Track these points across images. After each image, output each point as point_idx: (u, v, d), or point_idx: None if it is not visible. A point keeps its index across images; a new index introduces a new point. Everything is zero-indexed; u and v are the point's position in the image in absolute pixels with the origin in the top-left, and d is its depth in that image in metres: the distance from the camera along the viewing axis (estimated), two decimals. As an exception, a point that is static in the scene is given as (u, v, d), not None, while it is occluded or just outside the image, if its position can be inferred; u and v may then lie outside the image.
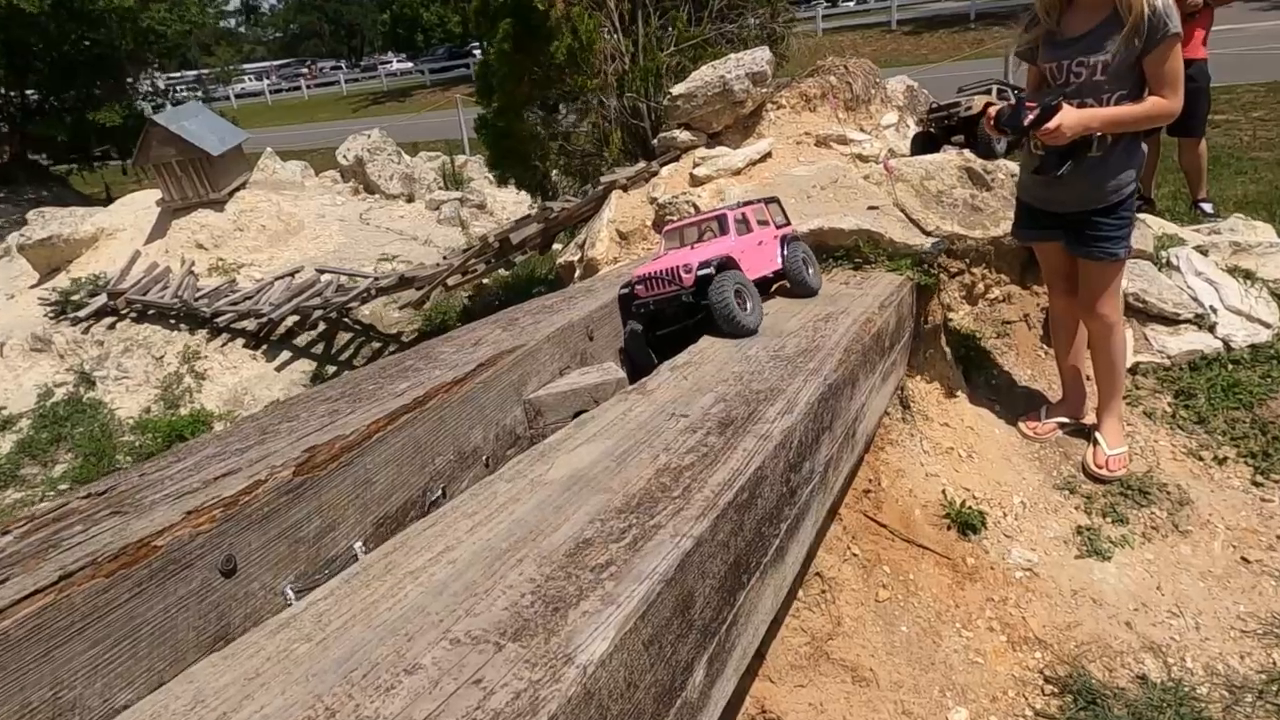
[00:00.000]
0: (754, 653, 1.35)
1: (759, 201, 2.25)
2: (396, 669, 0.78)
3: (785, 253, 2.27)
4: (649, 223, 3.51)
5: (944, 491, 2.57)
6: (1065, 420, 2.83)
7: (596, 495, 1.13)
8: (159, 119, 7.10)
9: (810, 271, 2.33)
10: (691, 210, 3.31)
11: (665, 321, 1.99)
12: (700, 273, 1.84)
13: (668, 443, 1.30)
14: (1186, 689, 2.08)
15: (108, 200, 9.52)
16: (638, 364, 1.95)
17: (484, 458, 1.54)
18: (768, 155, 3.55)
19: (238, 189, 7.30)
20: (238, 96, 39.44)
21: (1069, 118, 2.23)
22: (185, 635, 1.01)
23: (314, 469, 1.19)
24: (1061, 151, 2.32)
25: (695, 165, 3.52)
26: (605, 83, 3.88)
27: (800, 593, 2.22)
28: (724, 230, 2.10)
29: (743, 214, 2.12)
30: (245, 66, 51.72)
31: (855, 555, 2.36)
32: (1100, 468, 2.64)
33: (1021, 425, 2.82)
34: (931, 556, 2.42)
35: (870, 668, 2.17)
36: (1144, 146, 2.44)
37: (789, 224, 2.45)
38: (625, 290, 2.02)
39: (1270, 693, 2.06)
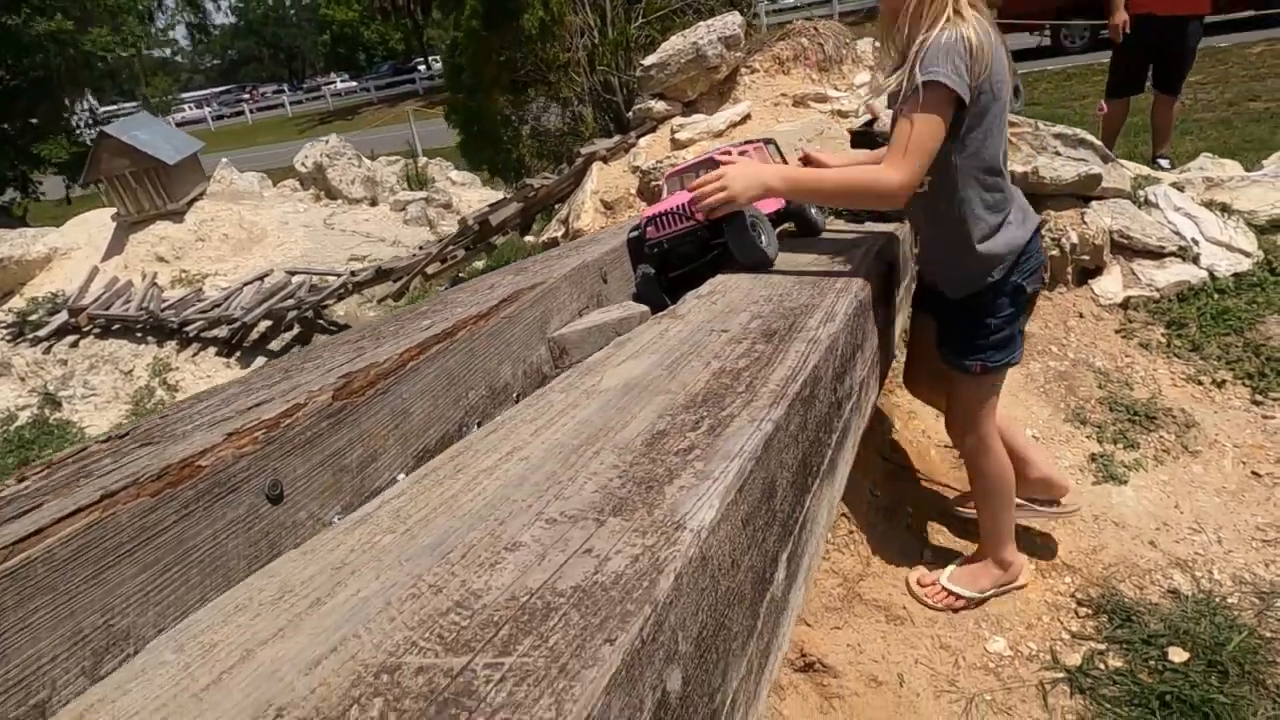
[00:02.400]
0: (815, 566, 1.31)
1: (758, 141, 2.19)
2: (495, 548, 0.72)
3: None
4: (633, 191, 3.46)
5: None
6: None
7: (658, 397, 1.07)
8: (110, 130, 6.88)
9: (814, 211, 2.29)
10: (677, 173, 3.27)
11: (677, 262, 1.92)
12: None
13: (716, 352, 1.25)
14: (1218, 599, 2.08)
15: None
16: (653, 308, 1.90)
17: (514, 394, 1.47)
18: (747, 117, 3.53)
19: (196, 199, 7.10)
20: (179, 125, 38.69)
21: (737, 172, 1.63)
22: (237, 564, 0.93)
23: (352, 394, 1.12)
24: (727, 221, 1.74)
25: (675, 131, 3.49)
26: (575, 58, 3.82)
27: (829, 534, 2.18)
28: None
29: (745, 150, 2.06)
30: (184, 95, 50.73)
31: (877, 496, 2.34)
32: (919, 585, 2.14)
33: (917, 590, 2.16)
34: (952, 493, 2.41)
35: (904, 605, 2.15)
36: (1017, 219, 1.77)
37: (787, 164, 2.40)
38: (634, 233, 1.96)
39: (1299, 596, 2.07)
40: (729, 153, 1.98)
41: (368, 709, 0.53)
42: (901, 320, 2.44)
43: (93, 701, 0.56)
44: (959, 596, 2.11)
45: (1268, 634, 1.99)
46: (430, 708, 0.53)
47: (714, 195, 1.62)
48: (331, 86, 45.60)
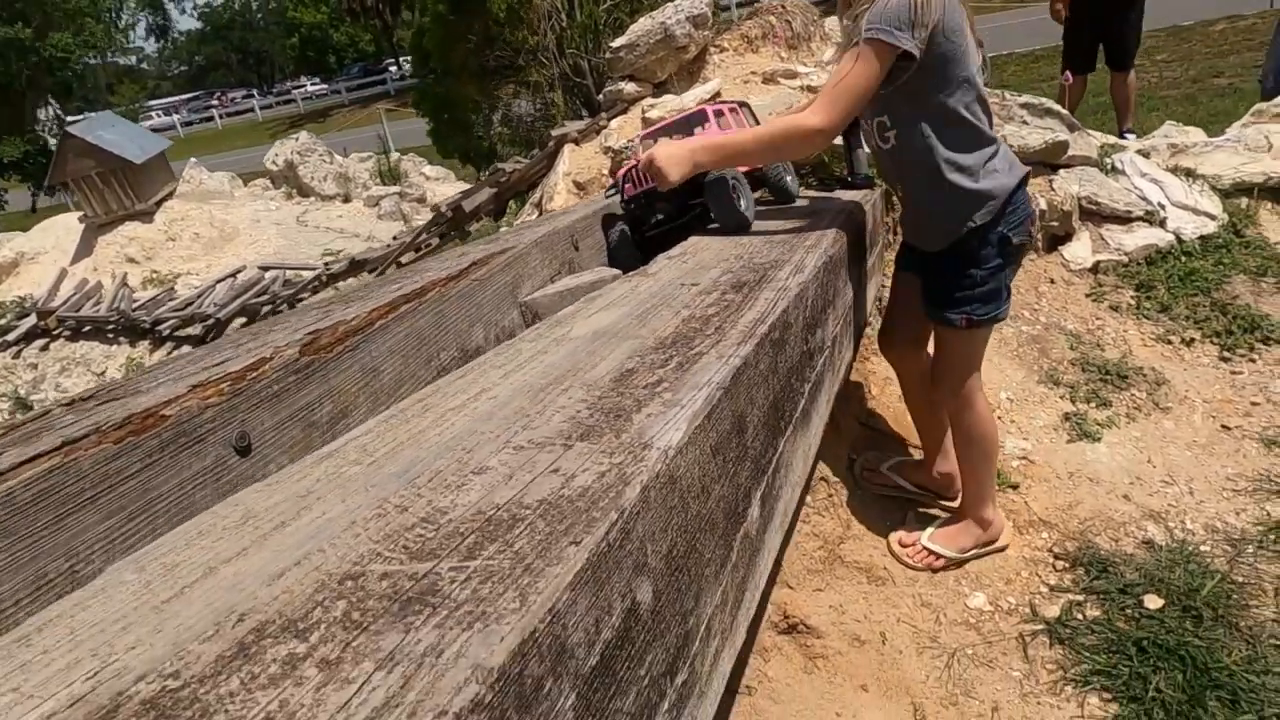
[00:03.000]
0: (791, 513, 1.32)
1: (734, 103, 2.17)
2: (463, 472, 0.72)
3: None
4: (605, 171, 3.46)
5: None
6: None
7: (627, 342, 1.07)
8: (74, 130, 6.77)
9: (790, 178, 2.28)
10: (649, 152, 3.26)
11: (654, 221, 1.90)
12: None
13: (686, 302, 1.25)
14: (1191, 548, 2.12)
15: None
16: (626, 268, 1.88)
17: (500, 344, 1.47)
18: (717, 95, 3.52)
19: (165, 199, 7.00)
20: (148, 131, 38.14)
21: (664, 151, 1.65)
22: (205, 515, 0.92)
23: (320, 350, 1.11)
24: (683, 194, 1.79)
25: (646, 110, 3.48)
26: (544, 41, 3.80)
27: (809, 498, 2.20)
28: (704, 126, 2.00)
29: (721, 109, 2.04)
30: (152, 103, 50.06)
31: (856, 459, 2.35)
32: (900, 546, 2.15)
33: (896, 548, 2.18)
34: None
35: (884, 566, 2.16)
36: (1002, 167, 1.76)
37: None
38: (612, 193, 1.93)
39: (1269, 541, 2.11)
40: (721, 110, 1.98)
41: (331, 610, 0.53)
42: (874, 287, 2.46)
43: (50, 617, 0.56)
44: (939, 556, 2.13)
45: (1240, 579, 2.02)
46: (394, 606, 0.53)
47: (654, 175, 1.66)
48: (302, 90, 45.19)
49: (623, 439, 0.76)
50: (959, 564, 2.15)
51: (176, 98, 55.21)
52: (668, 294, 1.31)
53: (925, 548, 2.14)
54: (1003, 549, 2.18)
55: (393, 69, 40.57)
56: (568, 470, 0.71)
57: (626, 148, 3.32)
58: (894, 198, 2.22)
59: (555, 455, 0.74)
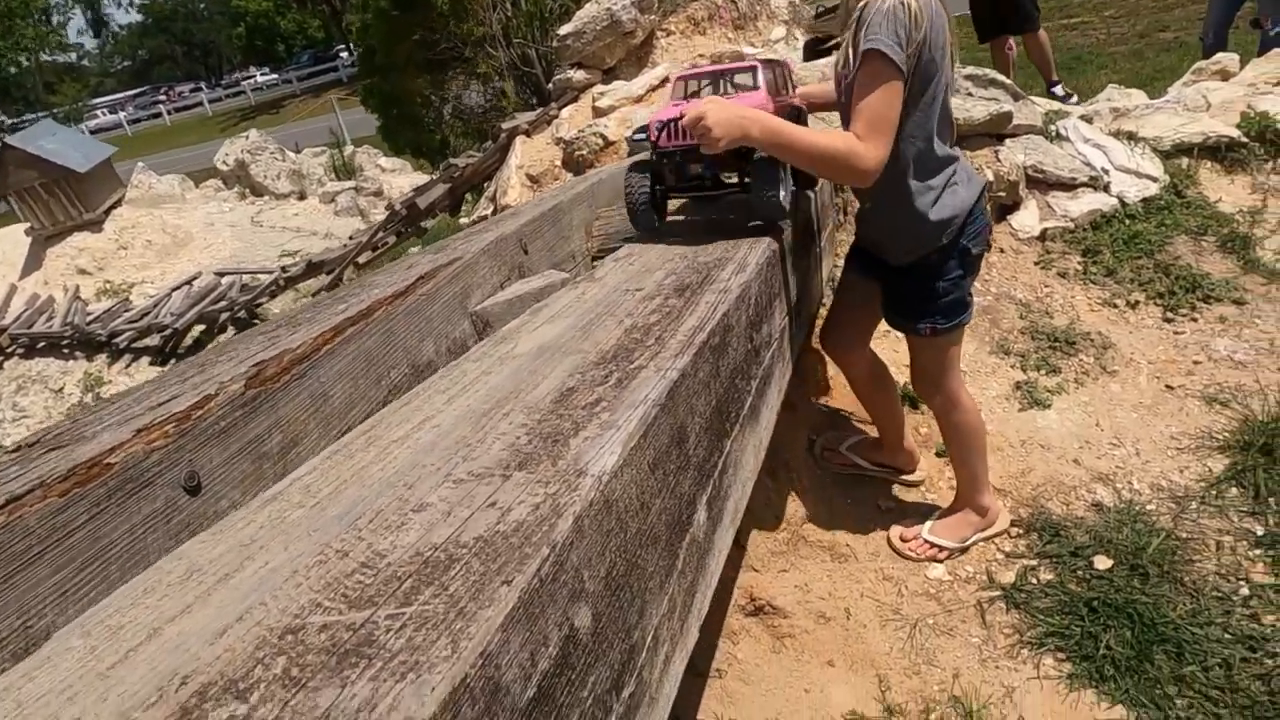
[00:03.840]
0: (743, 508, 1.35)
1: (780, 63, 1.90)
2: (404, 510, 0.74)
3: None
4: (558, 163, 3.45)
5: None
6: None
7: (570, 357, 1.10)
8: (13, 141, 6.58)
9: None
10: (600, 141, 3.26)
11: (680, 181, 1.67)
12: None
13: (629, 310, 1.27)
14: (1137, 508, 2.20)
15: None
16: (640, 220, 1.69)
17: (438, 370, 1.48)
18: (666, 79, 3.53)
19: (114, 207, 6.85)
20: (93, 132, 37.18)
21: (718, 114, 1.49)
22: (157, 557, 0.93)
23: (265, 382, 1.12)
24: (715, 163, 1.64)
25: (596, 98, 3.48)
26: (490, 32, 3.77)
27: (770, 481, 2.24)
28: (755, 84, 1.71)
29: (773, 72, 1.78)
30: (95, 101, 48.63)
31: (814, 441, 2.40)
32: (901, 541, 2.19)
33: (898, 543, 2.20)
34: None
35: (846, 543, 2.22)
36: (962, 180, 1.79)
37: (798, 97, 2.04)
38: (640, 135, 1.65)
39: (1210, 496, 2.20)
40: (771, 63, 1.79)
41: (271, 667, 0.55)
42: (825, 268, 2.50)
43: (-2, 691, 0.57)
44: (942, 548, 2.15)
45: (1184, 535, 2.11)
46: (331, 659, 0.55)
47: (699, 127, 1.50)
48: (251, 81, 44.12)
49: (559, 466, 0.79)
50: (963, 552, 2.18)
51: (121, 94, 53.61)
52: (612, 301, 1.33)
53: (927, 541, 2.16)
54: (1003, 531, 2.20)
55: (344, 55, 39.75)
56: (504, 503, 0.73)
57: (577, 139, 3.31)
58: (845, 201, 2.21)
59: (493, 488, 0.76)
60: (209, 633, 0.60)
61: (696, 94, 1.80)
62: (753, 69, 1.74)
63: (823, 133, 1.62)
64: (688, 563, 1.00)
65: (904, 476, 2.35)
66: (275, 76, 43.62)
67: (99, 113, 45.56)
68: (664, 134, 1.59)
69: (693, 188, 1.67)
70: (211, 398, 1.04)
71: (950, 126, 1.79)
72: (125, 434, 0.95)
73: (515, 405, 0.95)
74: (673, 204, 1.95)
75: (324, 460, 0.88)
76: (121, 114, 43.26)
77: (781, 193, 1.61)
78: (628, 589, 0.81)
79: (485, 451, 0.84)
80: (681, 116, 1.54)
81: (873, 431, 2.41)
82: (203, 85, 51.57)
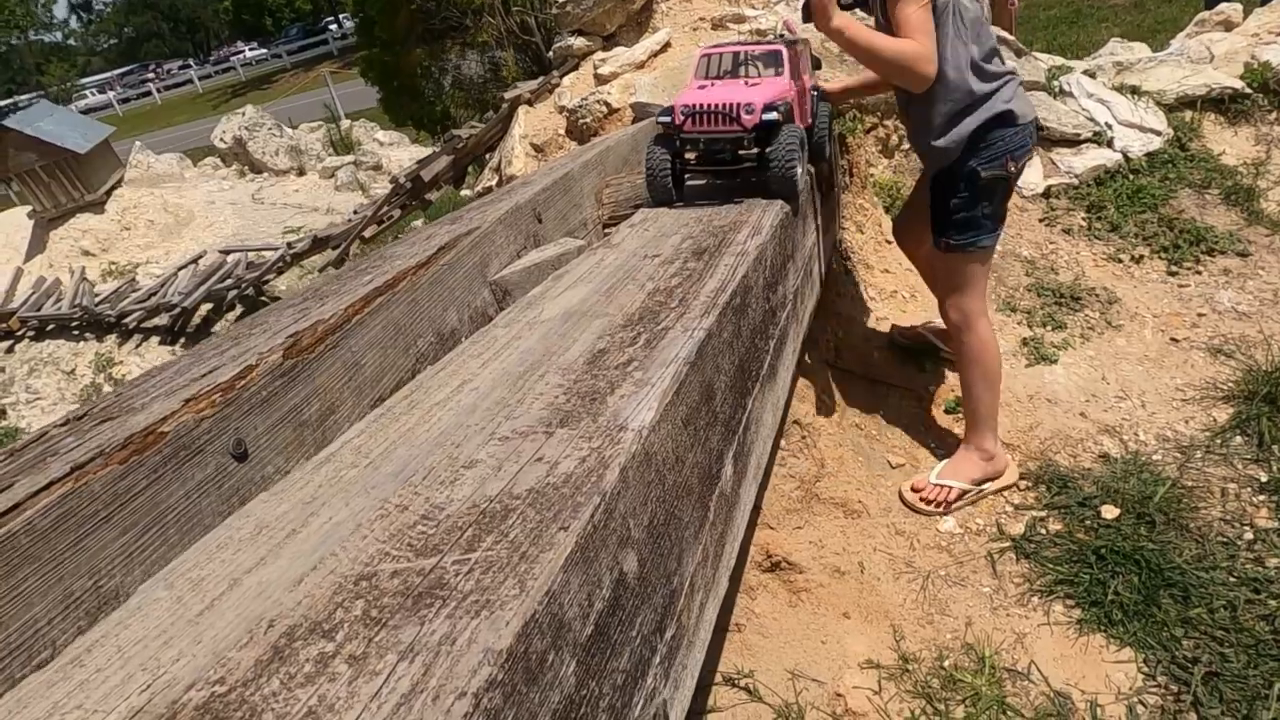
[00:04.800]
0: (765, 465, 1.39)
1: (802, 44, 1.96)
2: (454, 467, 0.78)
3: (817, 109, 1.99)
4: (561, 131, 3.45)
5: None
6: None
7: (596, 320, 1.13)
8: (11, 123, 6.53)
9: (830, 139, 2.10)
10: (603, 109, 3.26)
11: (702, 162, 1.72)
12: (765, 117, 1.59)
13: (650, 274, 1.30)
14: (1144, 458, 2.25)
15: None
16: (659, 193, 1.72)
17: (462, 339, 1.51)
18: (667, 45, 3.51)
19: (115, 187, 6.83)
20: (83, 113, 36.81)
21: (834, 25, 1.81)
22: (212, 520, 0.98)
23: (302, 352, 1.16)
24: None
25: (598, 66, 3.46)
26: (489, 1, 3.74)
27: (783, 441, 2.29)
28: (778, 69, 1.79)
29: (795, 54, 1.83)
30: (84, 80, 48.10)
31: (826, 401, 2.44)
32: (914, 491, 2.24)
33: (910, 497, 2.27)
34: (896, 391, 2.53)
35: (859, 500, 2.27)
36: (973, 107, 1.90)
37: (815, 75, 2.11)
38: (665, 119, 1.69)
39: (1215, 446, 2.24)
40: (794, 44, 1.91)
41: (350, 609, 0.59)
42: (834, 230, 2.52)
43: (97, 638, 0.61)
44: (950, 488, 2.20)
45: (1189, 483, 2.16)
46: (408, 601, 0.59)
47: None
48: (240, 56, 43.61)
49: (600, 422, 0.83)
50: (975, 498, 2.21)
51: (110, 73, 52.95)
52: (631, 266, 1.36)
53: (936, 484, 2.21)
54: (1012, 484, 2.24)
55: (333, 27, 39.22)
56: (551, 458, 0.77)
57: (580, 106, 3.31)
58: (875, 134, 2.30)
59: (538, 444, 0.80)
60: (287, 581, 0.64)
61: (719, 75, 1.86)
62: (777, 53, 1.82)
63: (898, 41, 1.82)
64: (718, 514, 1.04)
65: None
66: (264, 51, 43.12)
67: (88, 93, 45.11)
68: (688, 120, 1.66)
69: (712, 164, 1.71)
70: (253, 368, 1.08)
71: (985, 55, 1.89)
72: (174, 404, 0.99)
73: (549, 367, 0.99)
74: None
75: (370, 424, 0.91)
76: (111, 93, 42.78)
77: (798, 169, 1.65)
78: (667, 537, 0.85)
79: (526, 411, 0.88)
80: (709, 106, 1.63)
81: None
82: (191, 62, 50.96)
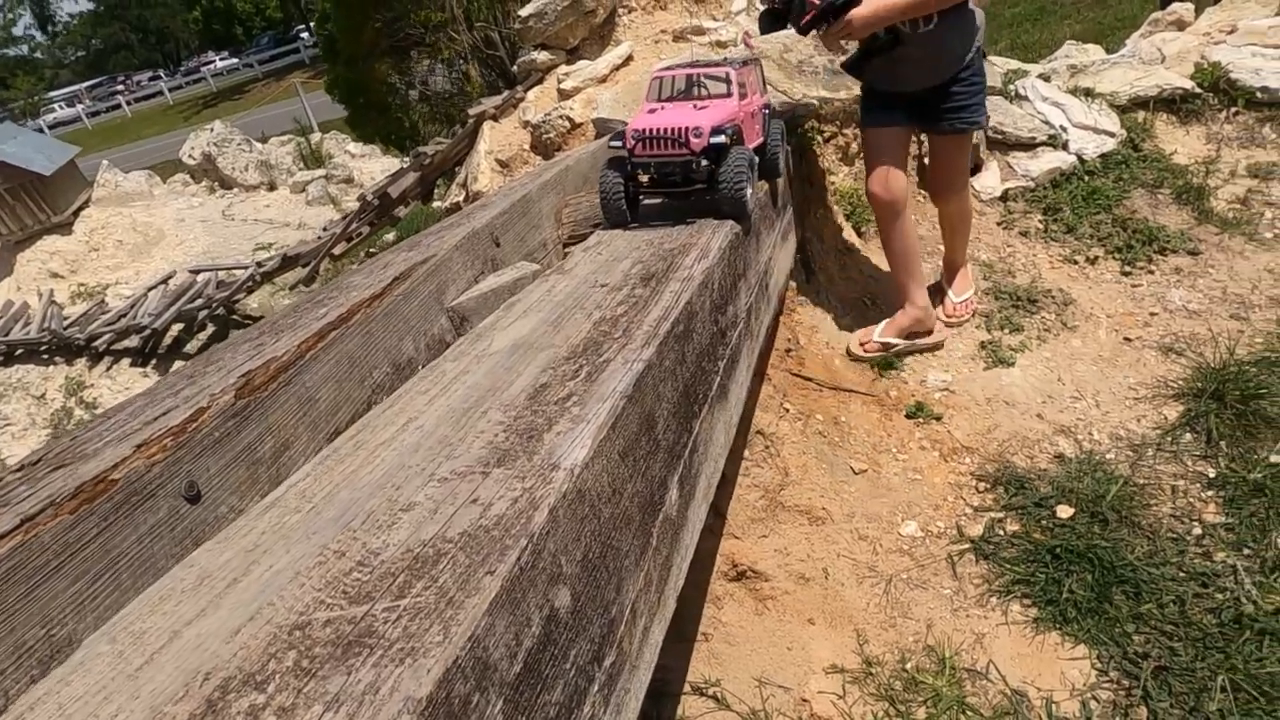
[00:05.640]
0: (715, 483, 1.43)
1: (753, 63, 2.05)
2: (393, 511, 0.81)
3: (768, 127, 2.06)
4: (526, 146, 3.48)
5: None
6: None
7: (542, 353, 1.16)
8: (-27, 147, 6.47)
9: (783, 155, 2.18)
10: (566, 124, 3.29)
11: (654, 184, 1.76)
12: (713, 140, 1.65)
13: (598, 302, 1.34)
14: (1098, 458, 2.31)
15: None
16: (613, 215, 1.76)
17: (419, 367, 1.54)
18: (629, 58, 3.55)
19: (82, 208, 6.78)
20: (51, 127, 36.36)
21: (859, 17, 2.17)
22: (165, 564, 1.00)
23: (254, 390, 1.18)
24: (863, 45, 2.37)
25: (561, 80, 3.50)
26: (452, 16, 3.76)
27: (746, 452, 2.33)
28: (728, 90, 1.85)
29: (743, 77, 1.90)
30: (51, 94, 47.47)
31: (789, 410, 2.49)
32: (952, 315, 2.79)
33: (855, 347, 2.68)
34: (858, 398, 2.57)
35: (823, 507, 2.31)
36: (977, 10, 2.41)
37: (767, 93, 2.21)
38: (616, 143, 1.75)
39: (1166, 443, 2.31)
40: (746, 64, 2.01)
41: (283, 660, 0.62)
42: (793, 242, 2.56)
43: (39, 695, 0.64)
44: (887, 345, 2.64)
45: (1141, 481, 2.22)
46: (337, 650, 0.62)
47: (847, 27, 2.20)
48: (211, 66, 43.22)
49: (534, 461, 0.86)
50: (903, 352, 2.67)
51: (77, 86, 52.21)
52: (581, 294, 1.39)
53: (877, 342, 2.65)
54: (938, 346, 2.71)
55: (305, 35, 38.95)
56: (486, 499, 0.80)
57: (544, 121, 3.34)
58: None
59: (475, 485, 0.83)
60: (225, 632, 0.67)
61: (671, 97, 1.91)
62: (725, 76, 1.87)
63: None
64: (662, 539, 1.08)
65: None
66: (235, 61, 42.75)
67: (56, 106, 44.54)
68: (639, 145, 1.71)
69: (664, 186, 1.75)
70: (204, 410, 1.10)
71: None
72: (125, 450, 1.01)
73: (493, 403, 1.02)
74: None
75: (316, 466, 0.94)
76: (80, 107, 42.27)
77: (748, 191, 1.71)
78: (604, 569, 0.88)
79: (466, 450, 0.91)
80: (658, 131, 1.68)
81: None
82: (161, 73, 50.43)
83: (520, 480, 0.82)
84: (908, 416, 2.51)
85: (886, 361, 2.63)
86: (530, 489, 0.80)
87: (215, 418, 1.11)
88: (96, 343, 5.28)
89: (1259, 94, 3.62)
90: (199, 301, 5.18)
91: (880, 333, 2.66)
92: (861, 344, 2.66)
